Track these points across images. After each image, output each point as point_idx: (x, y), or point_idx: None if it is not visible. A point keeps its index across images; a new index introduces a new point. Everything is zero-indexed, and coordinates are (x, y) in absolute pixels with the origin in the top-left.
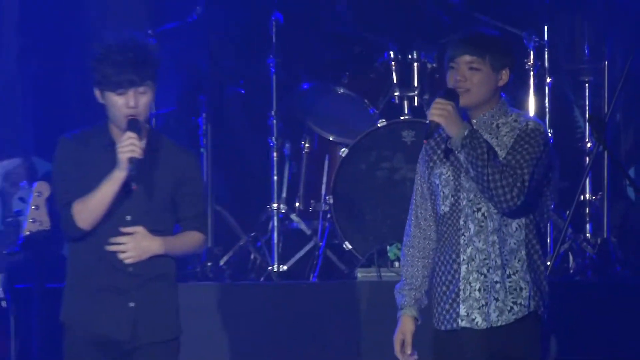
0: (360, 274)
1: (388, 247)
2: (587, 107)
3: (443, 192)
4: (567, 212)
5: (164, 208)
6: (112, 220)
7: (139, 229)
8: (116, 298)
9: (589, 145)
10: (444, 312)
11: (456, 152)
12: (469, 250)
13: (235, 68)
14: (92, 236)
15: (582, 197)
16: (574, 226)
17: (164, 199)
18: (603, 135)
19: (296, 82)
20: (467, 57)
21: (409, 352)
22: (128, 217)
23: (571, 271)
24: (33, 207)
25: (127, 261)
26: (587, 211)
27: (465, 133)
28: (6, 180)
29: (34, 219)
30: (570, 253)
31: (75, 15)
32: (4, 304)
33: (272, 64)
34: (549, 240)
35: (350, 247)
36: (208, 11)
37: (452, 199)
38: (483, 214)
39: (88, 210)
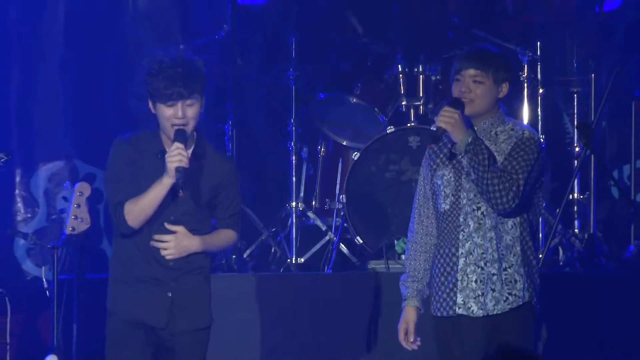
0: (371, 265)
1: (395, 242)
2: (575, 115)
3: (444, 192)
4: (557, 209)
5: (204, 210)
6: (157, 219)
7: (181, 229)
8: (156, 288)
9: (577, 149)
10: (441, 300)
11: (459, 156)
12: (467, 244)
13: (258, 80)
14: (138, 232)
15: (571, 196)
16: (564, 222)
17: (205, 202)
18: (590, 141)
19: (313, 93)
20: (472, 71)
21: (411, 340)
22: (172, 217)
23: (561, 263)
24: (75, 205)
25: (168, 257)
26: (576, 209)
27: (469, 140)
28: (50, 181)
29: (76, 216)
30: (560, 247)
31: (113, 29)
32: (48, 293)
33: (292, 76)
34: (540, 236)
35: (361, 241)
36: (234, 29)
37: (453, 198)
38: (482, 212)
39: (137, 211)
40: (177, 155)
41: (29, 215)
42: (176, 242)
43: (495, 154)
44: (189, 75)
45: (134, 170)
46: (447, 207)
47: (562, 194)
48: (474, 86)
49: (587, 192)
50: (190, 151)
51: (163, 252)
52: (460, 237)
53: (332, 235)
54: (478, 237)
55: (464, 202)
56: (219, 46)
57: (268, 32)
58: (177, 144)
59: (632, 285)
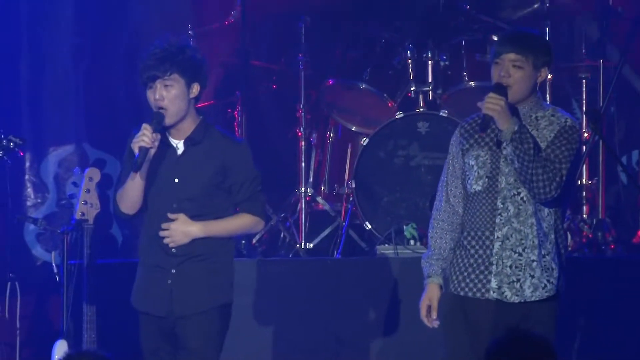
0: (380, 251)
1: (404, 227)
2: (584, 101)
3: (478, 173)
4: None
5: (207, 194)
6: (162, 207)
7: (180, 216)
8: (159, 276)
9: (585, 135)
10: (468, 281)
11: (504, 144)
12: (505, 229)
13: (268, 65)
14: (147, 221)
15: (579, 182)
16: (573, 208)
17: (207, 186)
18: (599, 126)
19: (322, 78)
20: (512, 55)
21: (434, 317)
22: (174, 205)
23: (570, 249)
24: (85, 190)
25: (170, 245)
26: (584, 194)
27: (516, 128)
28: (60, 166)
29: (86, 201)
30: (569, 232)
31: (123, 16)
32: (58, 278)
33: (301, 62)
34: None
35: (370, 226)
36: (244, 14)
37: (487, 180)
38: (522, 198)
39: (123, 196)
40: (141, 136)
41: (39, 201)
42: (174, 230)
43: (537, 139)
44: (165, 57)
45: None
46: (480, 188)
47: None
48: (513, 71)
49: (596, 178)
50: (157, 136)
51: (165, 240)
52: (497, 220)
53: (341, 221)
54: (517, 223)
55: (503, 185)
56: (228, 32)
57: (278, 17)
58: (144, 125)
59: None
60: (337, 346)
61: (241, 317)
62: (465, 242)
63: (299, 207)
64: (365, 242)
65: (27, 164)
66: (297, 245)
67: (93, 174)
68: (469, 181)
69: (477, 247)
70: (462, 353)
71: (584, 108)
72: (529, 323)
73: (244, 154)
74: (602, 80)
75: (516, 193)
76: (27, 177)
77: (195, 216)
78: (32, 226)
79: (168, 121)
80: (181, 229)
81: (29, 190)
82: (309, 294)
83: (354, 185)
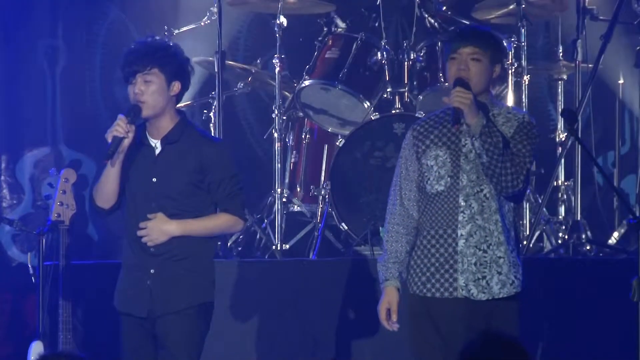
0: (356, 252)
1: (380, 228)
2: (560, 102)
3: (438, 173)
4: (542, 196)
5: (186, 193)
6: (141, 206)
7: (159, 215)
8: (139, 276)
9: (561, 136)
10: (434, 282)
11: (473, 139)
12: (468, 227)
13: (244, 66)
14: (127, 221)
15: (555, 183)
16: (548, 209)
17: (185, 185)
18: (574, 127)
19: (298, 79)
20: (470, 49)
21: (395, 319)
22: (153, 204)
23: (545, 250)
24: (61, 191)
25: (149, 244)
26: (560, 195)
27: (484, 122)
28: (36, 167)
29: (61, 202)
30: (544, 233)
31: (99, 18)
32: (34, 279)
33: (277, 62)
34: (525, 222)
35: (346, 228)
36: (220, 15)
37: (449, 179)
38: (485, 195)
39: (99, 189)
40: (115, 126)
41: (14, 202)
42: (151, 228)
43: None
44: (146, 52)
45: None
46: (442, 188)
47: (547, 180)
48: (471, 64)
49: (572, 179)
50: (132, 127)
51: (143, 239)
52: (460, 218)
53: (317, 222)
54: (481, 220)
55: (464, 183)
56: (205, 32)
57: (254, 18)
58: (119, 115)
59: (615, 271)
60: (314, 347)
61: (217, 318)
62: (425, 242)
63: (274, 209)
64: (341, 243)
65: (3, 165)
66: (273, 247)
67: (69, 175)
68: (428, 182)
69: (438, 246)
70: (430, 354)
71: (560, 109)
72: (495, 320)
73: (221, 153)
74: (578, 81)
75: (479, 190)
76: (2, 178)
77: (174, 215)
78: (7, 227)
79: (144, 113)
80: (158, 227)
81: (5, 191)
82: (285, 296)
83: (329, 187)
